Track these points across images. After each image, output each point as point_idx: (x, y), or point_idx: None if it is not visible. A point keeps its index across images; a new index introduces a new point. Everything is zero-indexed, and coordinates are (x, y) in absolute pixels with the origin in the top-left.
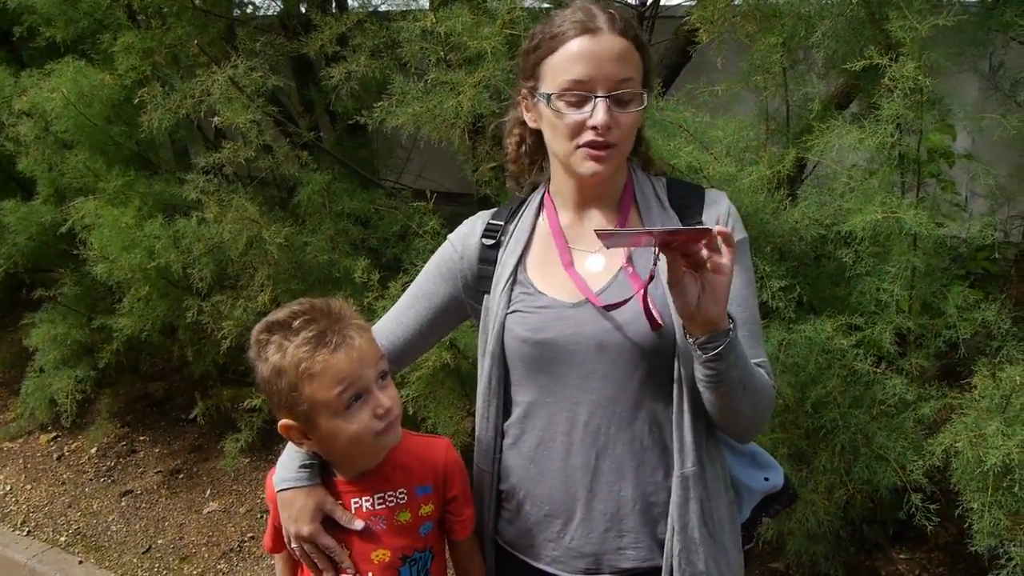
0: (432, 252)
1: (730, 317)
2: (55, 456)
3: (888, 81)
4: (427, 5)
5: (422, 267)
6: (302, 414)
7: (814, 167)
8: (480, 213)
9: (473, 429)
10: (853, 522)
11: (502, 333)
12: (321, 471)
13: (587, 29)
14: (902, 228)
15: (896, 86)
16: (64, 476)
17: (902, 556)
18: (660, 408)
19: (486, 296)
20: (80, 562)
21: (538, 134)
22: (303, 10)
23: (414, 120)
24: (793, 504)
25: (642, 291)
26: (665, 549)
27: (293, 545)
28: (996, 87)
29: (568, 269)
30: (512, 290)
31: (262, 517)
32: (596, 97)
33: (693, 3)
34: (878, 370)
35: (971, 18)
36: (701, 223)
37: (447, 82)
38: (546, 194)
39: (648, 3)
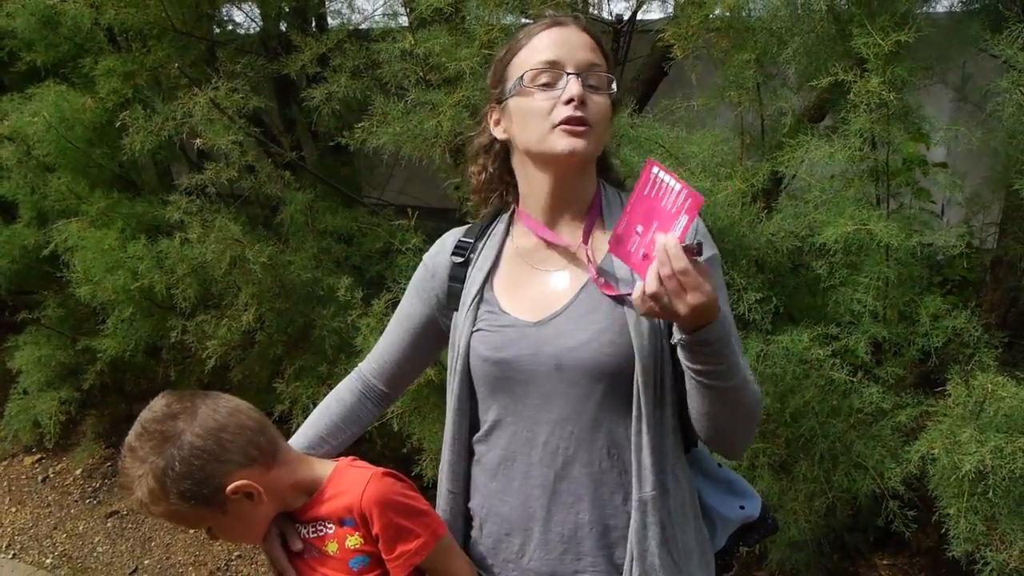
0: (414, 269)
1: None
2: (40, 478)
3: (854, 97)
4: (406, 23)
5: (405, 284)
6: None
7: (790, 180)
8: (452, 231)
9: None
10: (835, 530)
11: (468, 352)
12: None
13: (557, 22)
14: (874, 239)
15: (861, 101)
16: (49, 498)
17: (884, 562)
18: (620, 430)
19: (455, 313)
20: None
21: (503, 158)
22: (283, 28)
23: (395, 140)
24: (773, 534)
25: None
26: (624, 573)
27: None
28: (966, 99)
29: (583, 246)
30: (478, 308)
31: None
32: (568, 74)
33: (669, 17)
34: (855, 379)
35: (938, 32)
36: None
37: (427, 102)
38: (516, 211)
39: (625, 20)
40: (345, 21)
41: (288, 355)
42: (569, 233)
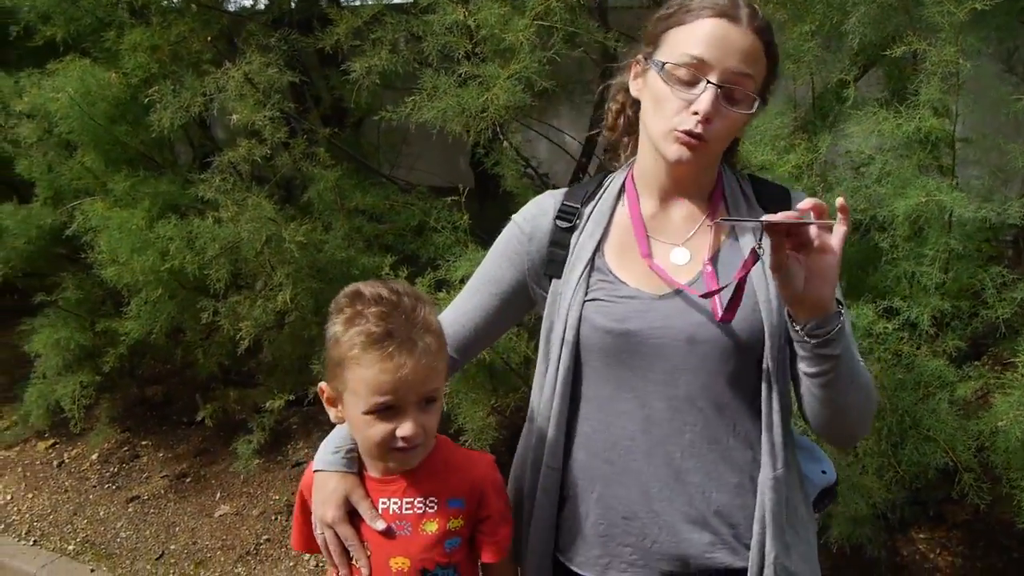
0: (454, 247)
1: (839, 301)
2: (55, 463)
3: (929, 65)
4: None
5: (444, 263)
6: (337, 389)
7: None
8: (549, 192)
9: (499, 425)
10: (895, 504)
11: (579, 322)
12: (360, 461)
13: (725, 13)
14: (941, 211)
15: (936, 71)
16: (66, 484)
17: (921, 536)
18: (745, 407)
19: (555, 281)
20: (92, 570)
21: (638, 107)
22: (293, 5)
23: (441, 115)
24: (834, 499)
25: (739, 279)
26: (752, 553)
27: (317, 532)
28: (1011, 71)
29: (646, 259)
30: (590, 276)
31: (276, 519)
32: (708, 82)
33: None
34: (919, 351)
35: (999, 3)
36: None
37: (478, 75)
38: (628, 179)
39: None
40: None
41: (322, 336)
42: (685, 213)
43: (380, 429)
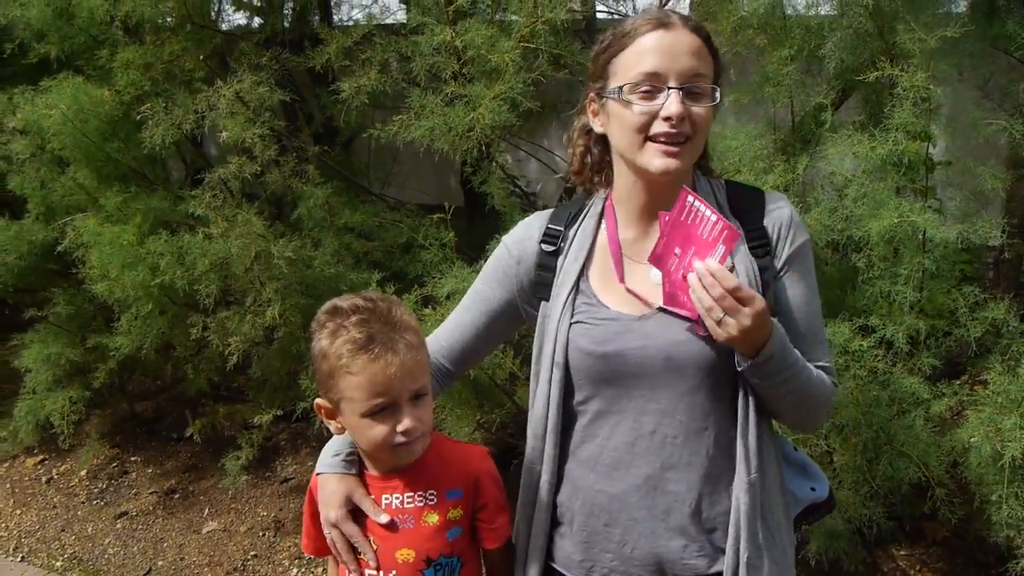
0: (441, 264)
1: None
2: (44, 479)
3: (901, 91)
4: (403, 18)
5: (430, 280)
6: (333, 400)
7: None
8: (536, 214)
9: (484, 440)
10: (872, 519)
11: (566, 344)
12: (359, 463)
13: (661, 24)
14: (914, 231)
15: (908, 96)
16: (55, 500)
17: (901, 552)
18: (725, 419)
19: (543, 303)
20: None
21: (604, 143)
22: (285, 25)
23: (429, 133)
24: (830, 513)
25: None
26: (728, 555)
27: (325, 532)
28: (987, 96)
29: (621, 284)
30: (575, 300)
31: (264, 535)
32: (669, 88)
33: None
34: (894, 370)
35: (971, 31)
36: (763, 229)
37: (465, 95)
38: (607, 203)
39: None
40: (344, 16)
41: (310, 352)
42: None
43: (380, 429)
